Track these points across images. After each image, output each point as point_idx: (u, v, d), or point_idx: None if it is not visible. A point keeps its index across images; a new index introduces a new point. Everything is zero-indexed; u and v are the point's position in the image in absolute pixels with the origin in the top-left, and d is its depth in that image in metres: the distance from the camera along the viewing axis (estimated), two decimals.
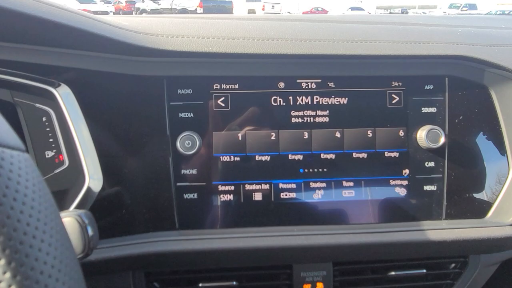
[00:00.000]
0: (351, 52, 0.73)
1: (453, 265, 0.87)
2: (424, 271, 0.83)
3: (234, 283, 0.79)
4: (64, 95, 0.71)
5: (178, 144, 0.72)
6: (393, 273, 0.83)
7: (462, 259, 0.85)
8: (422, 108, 0.78)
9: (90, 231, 0.49)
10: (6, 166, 0.29)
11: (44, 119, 0.77)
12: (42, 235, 0.30)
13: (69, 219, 0.46)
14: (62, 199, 0.73)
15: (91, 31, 0.65)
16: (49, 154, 0.78)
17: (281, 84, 0.76)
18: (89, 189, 0.71)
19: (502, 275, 1.03)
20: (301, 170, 0.76)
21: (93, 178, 0.71)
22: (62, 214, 0.48)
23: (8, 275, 0.27)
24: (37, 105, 0.76)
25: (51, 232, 0.31)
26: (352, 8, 27.46)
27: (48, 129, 0.77)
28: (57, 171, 0.77)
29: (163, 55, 0.72)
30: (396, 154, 0.77)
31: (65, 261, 0.31)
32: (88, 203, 0.71)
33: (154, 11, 21.37)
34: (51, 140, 0.77)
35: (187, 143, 0.72)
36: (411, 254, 0.81)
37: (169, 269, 0.80)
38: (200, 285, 0.79)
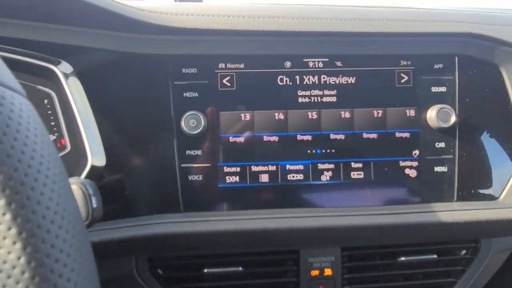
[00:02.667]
0: (359, 30, 0.72)
1: (464, 251, 0.85)
2: (435, 256, 0.81)
3: (240, 268, 0.77)
4: (65, 74, 0.69)
5: (182, 123, 0.70)
6: (403, 258, 0.80)
7: (473, 244, 0.83)
8: (432, 88, 0.76)
9: (94, 202, 0.47)
10: (6, 105, 0.28)
11: (46, 101, 0.75)
12: (45, 179, 0.28)
13: (74, 186, 0.44)
14: None
15: (94, 3, 0.63)
16: (51, 137, 0.76)
17: (288, 64, 0.74)
18: (91, 170, 0.69)
19: None
20: (309, 151, 0.74)
21: (96, 159, 0.69)
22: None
23: (8, 216, 0.25)
24: (39, 86, 0.75)
25: (54, 178, 0.29)
26: None
27: (49, 112, 0.75)
28: (59, 155, 0.75)
29: (167, 33, 0.70)
30: (407, 135, 0.75)
31: (68, 209, 0.29)
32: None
33: None
34: (52, 123, 0.75)
35: (192, 122, 0.70)
36: (421, 237, 0.78)
37: (173, 255, 0.78)
38: (205, 270, 0.77)
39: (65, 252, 0.28)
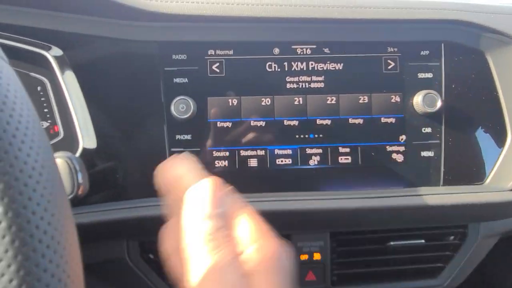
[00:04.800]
0: (346, 16, 0.73)
1: (452, 236, 0.86)
2: (423, 241, 0.82)
3: None
4: (57, 59, 0.70)
5: (172, 108, 0.72)
6: (391, 243, 0.81)
7: (461, 229, 0.84)
8: (418, 74, 0.77)
9: (80, 178, 0.48)
10: None
11: (39, 88, 0.76)
12: (25, 146, 0.29)
13: (60, 160, 0.46)
14: None
15: None
16: (44, 124, 0.77)
17: (276, 50, 0.75)
18: (83, 152, 0.70)
19: (502, 252, 1.02)
20: (297, 136, 0.75)
21: (87, 141, 0.71)
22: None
23: None
24: (32, 74, 0.76)
25: (34, 145, 0.30)
26: None
27: (43, 99, 0.76)
28: (52, 142, 0.76)
29: (157, 19, 0.72)
30: (393, 120, 0.76)
31: (52, 180, 0.30)
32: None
33: None
34: (45, 110, 0.76)
35: (181, 107, 0.72)
36: (409, 221, 0.80)
37: None
38: None
39: (46, 220, 0.28)
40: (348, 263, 0.83)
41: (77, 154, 0.70)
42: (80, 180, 0.47)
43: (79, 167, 0.47)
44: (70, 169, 0.45)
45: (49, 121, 0.76)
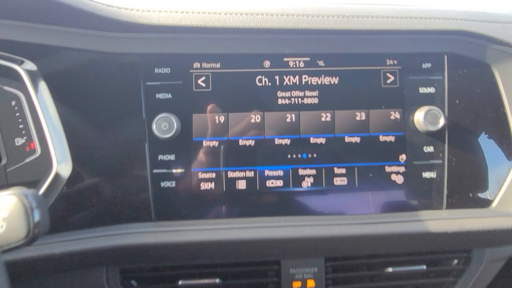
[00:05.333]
0: (342, 27, 0.68)
1: (456, 261, 0.80)
2: (424, 267, 0.77)
3: (217, 280, 0.73)
4: (29, 73, 0.65)
5: (154, 126, 0.66)
6: (390, 269, 0.76)
7: (465, 254, 0.79)
8: (420, 88, 0.72)
9: (36, 216, 0.42)
10: None
11: (13, 103, 0.71)
12: None
13: (14, 198, 0.40)
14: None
15: (58, 0, 0.59)
16: (19, 141, 0.72)
17: (267, 63, 0.70)
18: (57, 176, 0.65)
19: (508, 274, 0.96)
20: (289, 156, 0.70)
21: (61, 164, 0.65)
22: (6, 191, 0.42)
23: None
24: (6, 87, 0.71)
25: None
26: None
27: (17, 114, 0.71)
28: (28, 160, 0.71)
29: (138, 30, 0.66)
30: (392, 138, 0.71)
31: None
32: (56, 191, 0.65)
33: None
34: (21, 126, 0.71)
35: (164, 125, 0.66)
36: (409, 247, 0.74)
37: (148, 266, 0.73)
38: (180, 282, 0.72)
39: None
40: None
41: (50, 178, 0.65)
42: (37, 218, 0.41)
43: (36, 204, 0.42)
44: (25, 208, 0.40)
45: (24, 137, 0.71)
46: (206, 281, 0.73)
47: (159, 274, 0.74)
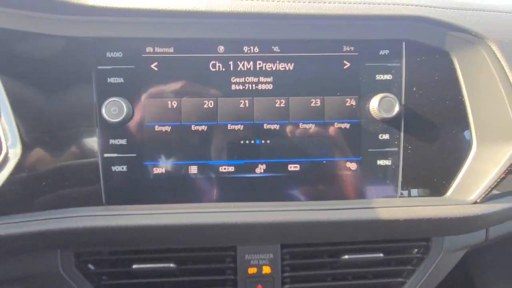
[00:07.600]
0: (298, 11, 0.66)
1: (415, 250, 0.80)
2: (381, 255, 0.77)
3: (172, 265, 0.73)
4: None
5: (103, 110, 0.66)
6: (346, 257, 0.76)
7: (424, 242, 0.79)
8: (376, 75, 0.71)
9: None
10: None
11: None
12: None
13: None
14: None
15: None
16: None
17: (221, 48, 0.69)
18: (5, 158, 0.65)
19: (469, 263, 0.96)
20: (242, 142, 0.69)
21: (10, 147, 0.65)
22: None
23: None
24: None
25: None
26: None
27: None
28: None
29: (89, 13, 0.65)
30: (347, 125, 0.70)
31: None
32: (5, 173, 0.65)
33: None
34: None
35: (113, 109, 0.66)
36: (366, 235, 0.74)
37: (105, 250, 0.74)
38: (134, 266, 0.73)
39: None
40: (300, 277, 0.78)
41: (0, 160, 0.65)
42: None
43: None
44: None
45: None
46: (160, 265, 0.73)
47: (115, 258, 0.74)
